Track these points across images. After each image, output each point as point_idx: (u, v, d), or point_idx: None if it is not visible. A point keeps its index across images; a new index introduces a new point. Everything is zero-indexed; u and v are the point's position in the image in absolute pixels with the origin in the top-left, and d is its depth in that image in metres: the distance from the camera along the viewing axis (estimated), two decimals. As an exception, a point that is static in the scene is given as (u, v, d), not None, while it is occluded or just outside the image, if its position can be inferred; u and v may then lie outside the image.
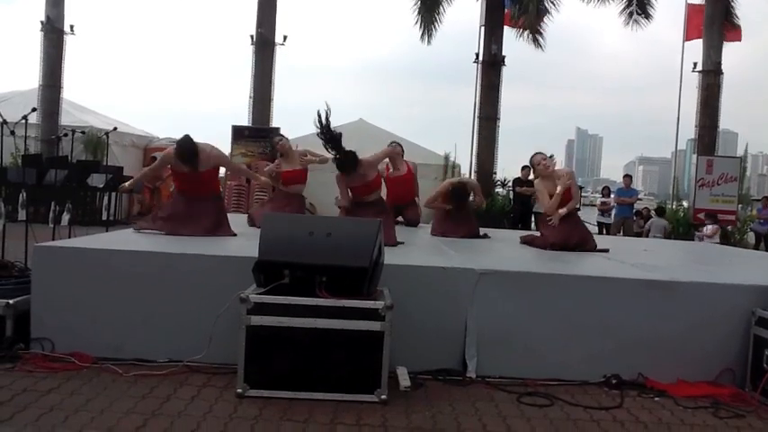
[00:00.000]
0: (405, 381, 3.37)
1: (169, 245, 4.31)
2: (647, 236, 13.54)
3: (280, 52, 17.02)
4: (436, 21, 18.18)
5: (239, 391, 3.18)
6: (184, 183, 5.24)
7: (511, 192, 15.25)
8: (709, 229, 13.61)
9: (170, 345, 3.67)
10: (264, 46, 16.71)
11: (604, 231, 14.31)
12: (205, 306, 3.61)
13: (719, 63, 16.51)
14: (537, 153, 5.96)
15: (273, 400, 3.13)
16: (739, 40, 16.95)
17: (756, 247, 14.54)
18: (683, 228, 14.82)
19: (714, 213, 14.62)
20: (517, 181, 14.14)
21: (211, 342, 3.54)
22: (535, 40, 17.60)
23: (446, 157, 15.76)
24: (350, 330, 3.23)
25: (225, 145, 15.27)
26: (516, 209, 14.34)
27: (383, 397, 3.18)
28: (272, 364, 3.23)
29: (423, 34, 18.28)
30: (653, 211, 15.71)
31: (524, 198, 13.94)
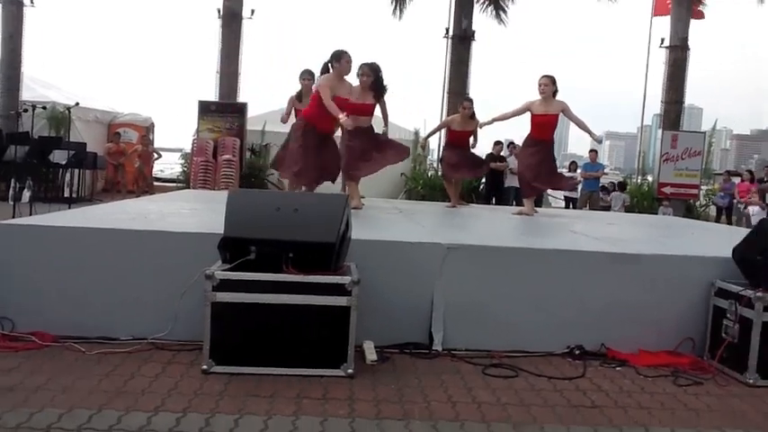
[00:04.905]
0: (371, 355, 3.39)
1: (132, 221, 4.25)
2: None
3: (247, 26, 16.76)
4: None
5: (204, 367, 3.16)
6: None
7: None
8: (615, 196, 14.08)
9: (134, 322, 3.62)
10: (231, 19, 16.40)
11: (571, 206, 14.47)
12: (170, 283, 3.57)
13: (686, 39, 16.69)
14: (544, 76, 6.78)
15: (239, 377, 3.12)
16: (702, 17, 17.14)
17: (717, 220, 14.86)
18: (647, 201, 15.06)
19: (624, 183, 14.99)
20: (490, 156, 14.18)
21: (176, 319, 3.52)
22: (498, 16, 17.63)
23: (416, 133, 15.76)
24: (316, 306, 3.22)
25: (191, 120, 15.08)
26: (489, 184, 14.38)
27: (350, 371, 3.19)
28: (238, 340, 3.21)
29: (395, 9, 18.22)
30: (616, 185, 15.95)
31: (497, 173, 14.01)
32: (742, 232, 4.73)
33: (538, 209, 7.73)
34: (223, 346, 3.19)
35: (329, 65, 6.02)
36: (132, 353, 3.41)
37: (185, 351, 3.45)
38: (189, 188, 13.36)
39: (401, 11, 18.31)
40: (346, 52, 6.02)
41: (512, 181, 13.48)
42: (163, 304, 3.58)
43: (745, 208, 14.42)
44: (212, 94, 16.31)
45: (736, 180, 15.93)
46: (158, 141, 17.73)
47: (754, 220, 13.31)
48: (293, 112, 7.41)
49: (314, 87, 6.40)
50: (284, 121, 7.52)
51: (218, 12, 16.45)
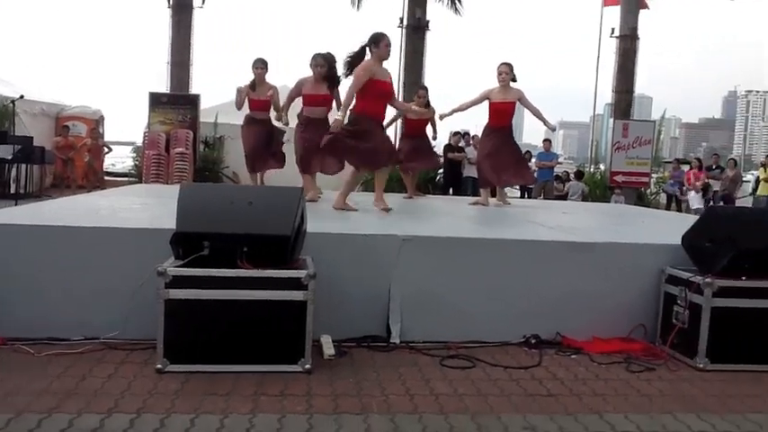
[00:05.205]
0: (329, 349, 3.37)
1: (82, 218, 4.14)
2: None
3: (199, 15, 16.49)
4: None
5: (159, 366, 3.10)
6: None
7: (440, 158, 15.37)
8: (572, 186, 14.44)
9: (85, 322, 3.52)
10: (182, 9, 16.15)
11: (526, 195, 14.63)
12: (122, 281, 3.49)
13: (636, 29, 17.04)
14: (503, 63, 6.86)
15: (195, 375, 3.07)
16: (647, 7, 17.52)
17: (668, 207, 15.22)
18: (599, 190, 15.33)
19: (581, 172, 15.32)
20: (448, 147, 14.23)
21: (129, 318, 3.45)
22: (453, 6, 17.73)
23: (371, 124, 15.70)
24: (272, 301, 3.18)
25: (142, 113, 14.78)
26: (447, 174, 14.42)
27: (307, 366, 3.17)
28: (193, 337, 3.16)
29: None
30: (572, 175, 16.18)
31: (454, 164, 14.09)
32: (691, 219, 4.84)
33: (493, 200, 7.76)
34: (177, 344, 3.13)
35: (366, 49, 5.46)
36: (84, 353, 3.32)
37: (139, 350, 3.38)
38: (141, 182, 13.11)
39: (359, 1, 18.28)
40: (386, 35, 5.48)
41: (470, 171, 13.54)
42: (115, 303, 3.50)
43: (684, 194, 14.79)
44: (164, 86, 16.03)
45: (686, 168, 16.32)
46: (108, 134, 17.34)
47: (692, 203, 13.69)
48: (247, 101, 7.30)
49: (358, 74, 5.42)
50: (239, 107, 7.38)
51: (168, 1, 16.15)
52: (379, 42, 5.40)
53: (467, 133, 14.47)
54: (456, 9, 18.15)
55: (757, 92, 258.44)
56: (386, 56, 5.48)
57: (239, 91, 7.22)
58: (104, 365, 3.18)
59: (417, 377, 3.22)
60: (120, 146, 18.68)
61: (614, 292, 4.00)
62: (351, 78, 5.42)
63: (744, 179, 18.88)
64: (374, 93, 5.37)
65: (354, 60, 5.48)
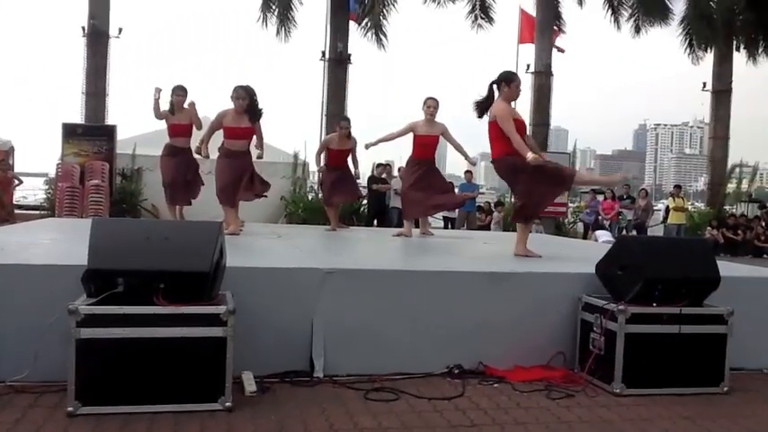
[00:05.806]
0: (250, 386, 3.30)
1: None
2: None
3: (115, 45, 16.12)
4: (292, 18, 18.22)
5: (70, 409, 2.95)
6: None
7: (364, 189, 15.43)
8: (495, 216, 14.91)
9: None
10: (98, 38, 15.74)
11: (449, 226, 14.85)
12: (30, 320, 3.32)
13: (549, 65, 17.76)
14: (431, 98, 7.06)
15: (109, 417, 2.93)
16: (563, 51, 18.36)
17: (585, 237, 15.74)
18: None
19: (500, 202, 15.85)
20: (372, 179, 14.32)
21: (38, 359, 3.27)
22: (379, 41, 18.02)
23: (295, 156, 15.67)
24: (190, 338, 3.09)
25: (55, 143, 14.27)
26: (371, 206, 14.48)
27: (228, 404, 3.08)
28: (107, 378, 3.02)
29: (278, 31, 18.20)
30: (493, 205, 16.54)
31: (379, 195, 14.17)
32: (605, 248, 5.00)
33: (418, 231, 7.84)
34: (90, 385, 2.99)
35: (495, 86, 5.19)
36: (-14, 398, 3.13)
37: (49, 393, 3.20)
38: (54, 216, 12.59)
39: (287, 33, 18.30)
40: (517, 75, 5.25)
41: (395, 202, 13.58)
42: (22, 344, 3.30)
43: (599, 223, 15.25)
44: (78, 116, 15.53)
45: (601, 198, 16.96)
46: (19, 166, 16.63)
47: (600, 238, 14.18)
48: (166, 127, 7.19)
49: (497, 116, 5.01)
50: (157, 116, 7.22)
51: (83, 30, 15.73)
52: (510, 82, 5.16)
53: (388, 164, 14.64)
54: (381, 44, 18.43)
55: (665, 125, 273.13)
56: (516, 97, 5.30)
57: (157, 90, 7.03)
58: (11, 410, 3.00)
59: (341, 412, 3.17)
60: (31, 177, 17.96)
61: (534, 321, 4.08)
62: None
63: (655, 208, 19.75)
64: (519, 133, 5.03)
65: (486, 101, 5.21)
